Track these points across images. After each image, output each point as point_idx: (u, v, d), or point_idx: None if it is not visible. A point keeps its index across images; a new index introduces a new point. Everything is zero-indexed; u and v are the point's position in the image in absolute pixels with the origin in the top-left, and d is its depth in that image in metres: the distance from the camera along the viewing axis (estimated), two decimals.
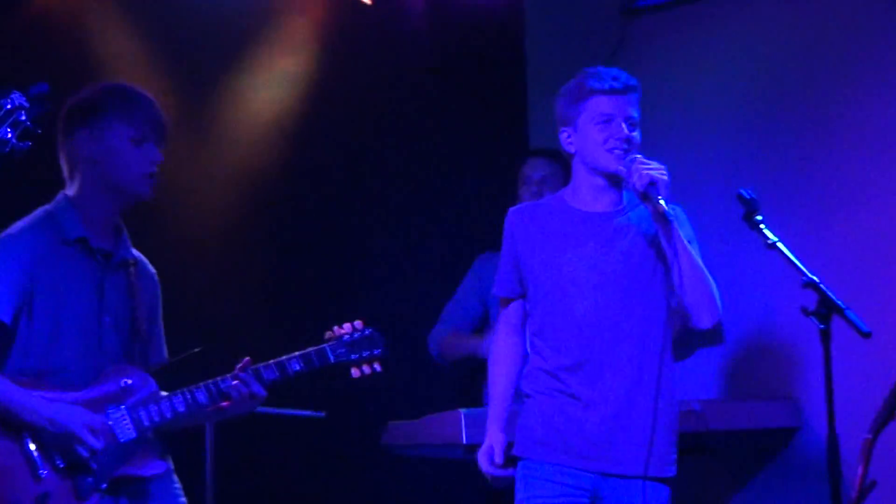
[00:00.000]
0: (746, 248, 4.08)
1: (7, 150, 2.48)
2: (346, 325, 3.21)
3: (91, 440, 2.92)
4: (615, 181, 3.24)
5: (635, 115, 3.26)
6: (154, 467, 3.15)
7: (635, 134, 3.25)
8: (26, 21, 4.34)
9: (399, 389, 4.40)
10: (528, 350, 3.48)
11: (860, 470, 3.59)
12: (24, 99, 2.54)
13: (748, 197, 3.30)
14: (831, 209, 4.53)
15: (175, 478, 3.28)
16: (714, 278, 3.60)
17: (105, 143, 3.06)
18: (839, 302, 3.21)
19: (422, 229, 4.89)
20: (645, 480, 3.21)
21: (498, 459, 3.34)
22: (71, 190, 3.10)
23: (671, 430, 3.30)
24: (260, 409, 3.39)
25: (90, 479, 2.95)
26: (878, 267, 4.38)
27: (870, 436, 3.56)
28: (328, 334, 3.18)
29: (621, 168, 3.18)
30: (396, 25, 5.14)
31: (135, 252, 3.28)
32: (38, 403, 2.94)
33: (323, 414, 4.24)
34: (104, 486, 2.98)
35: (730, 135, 4.86)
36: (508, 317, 3.45)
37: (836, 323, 3.20)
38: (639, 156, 3.19)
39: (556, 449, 3.26)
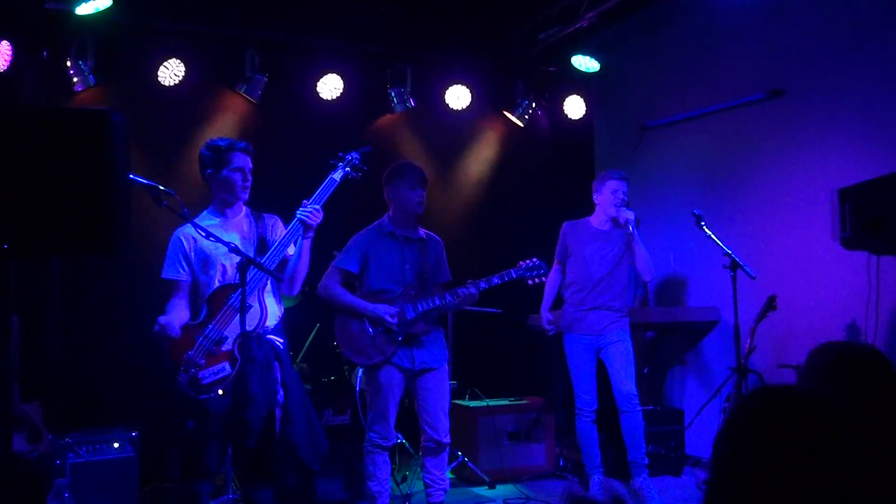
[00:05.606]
0: (699, 240, 5.06)
1: (348, 178, 3.75)
2: (528, 260, 4.14)
3: (388, 318, 4.02)
4: (612, 218, 4.71)
5: (626, 189, 4.67)
6: (437, 363, 4.15)
7: (625, 199, 4.64)
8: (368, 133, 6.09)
9: (534, 299, 5.14)
10: (565, 287, 4.84)
11: (748, 342, 4.93)
12: (358, 154, 3.85)
13: (697, 213, 4.79)
14: (735, 222, 5.54)
15: (447, 371, 4.11)
16: (681, 257, 4.97)
17: (399, 193, 4.16)
18: (740, 261, 4.65)
19: (537, 229, 5.88)
20: (619, 340, 4.74)
21: (549, 328, 4.87)
22: (390, 211, 4.22)
23: (626, 320, 4.76)
24: (470, 307, 4.52)
25: (393, 332, 4.05)
26: (759, 245, 5.35)
27: (754, 325, 4.92)
28: (519, 263, 4.08)
29: (616, 213, 4.63)
30: (533, 133, 6.99)
31: (424, 233, 4.21)
32: (367, 305, 4.08)
33: (500, 311, 5.62)
34: (401, 338, 4.08)
35: (693, 189, 5.95)
36: (555, 267, 4.95)
37: (739, 273, 4.63)
38: (623, 207, 4.60)
39: (580, 329, 4.78)
